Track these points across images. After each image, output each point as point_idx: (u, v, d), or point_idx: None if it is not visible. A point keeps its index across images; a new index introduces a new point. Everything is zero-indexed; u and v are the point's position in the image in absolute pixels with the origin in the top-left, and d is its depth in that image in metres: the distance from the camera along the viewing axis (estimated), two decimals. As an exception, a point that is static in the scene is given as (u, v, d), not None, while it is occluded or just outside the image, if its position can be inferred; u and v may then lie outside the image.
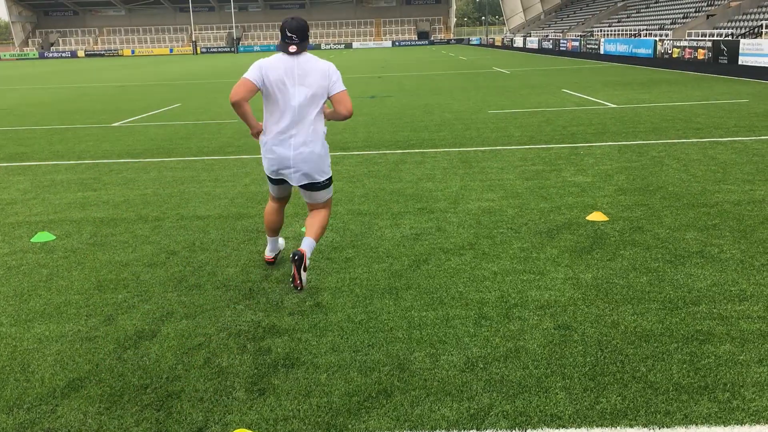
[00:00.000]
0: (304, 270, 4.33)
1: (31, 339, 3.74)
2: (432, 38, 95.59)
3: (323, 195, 4.56)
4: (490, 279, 4.44)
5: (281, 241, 5.02)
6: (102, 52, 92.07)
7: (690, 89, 16.98)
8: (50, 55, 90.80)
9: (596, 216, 5.76)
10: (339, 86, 4.33)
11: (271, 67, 4.26)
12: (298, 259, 4.26)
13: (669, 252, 4.84)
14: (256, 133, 4.51)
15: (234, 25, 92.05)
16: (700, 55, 29.86)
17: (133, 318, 4.00)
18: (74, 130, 12.90)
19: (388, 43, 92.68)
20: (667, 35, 36.88)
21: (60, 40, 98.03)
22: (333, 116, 4.46)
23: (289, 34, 4.27)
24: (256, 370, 3.31)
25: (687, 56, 31.14)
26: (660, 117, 11.95)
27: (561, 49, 50.66)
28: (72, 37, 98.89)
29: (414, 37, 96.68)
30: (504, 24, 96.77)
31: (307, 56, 4.34)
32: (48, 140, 11.65)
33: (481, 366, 3.28)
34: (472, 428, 2.78)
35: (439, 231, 5.56)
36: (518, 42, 64.20)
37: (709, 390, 3.00)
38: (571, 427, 2.77)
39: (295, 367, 3.34)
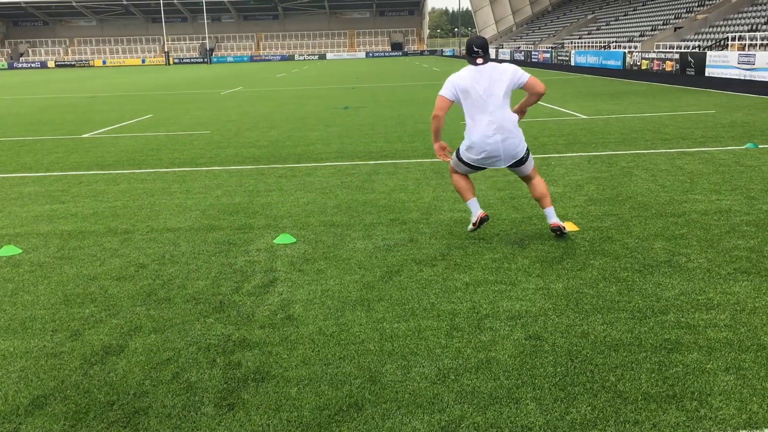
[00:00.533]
0: (565, 231, 5.48)
1: (-5, 355, 3.66)
2: (405, 49, 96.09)
3: (528, 166, 5.44)
4: (462, 290, 4.45)
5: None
6: (73, 63, 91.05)
7: (658, 100, 17.26)
8: (19, 65, 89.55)
9: (567, 226, 5.80)
10: (524, 76, 5.26)
11: (461, 81, 5.23)
12: (560, 233, 5.45)
13: (638, 261, 4.90)
14: (439, 149, 5.62)
15: (207, 35, 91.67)
16: (668, 66, 30.39)
17: (100, 333, 3.93)
18: (43, 142, 12.71)
19: (362, 54, 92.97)
20: (635, 47, 37.50)
21: (29, 51, 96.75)
22: (530, 99, 5.45)
23: (475, 50, 5.23)
24: (225, 385, 3.27)
25: (655, 68, 31.68)
26: (629, 128, 12.13)
27: (533, 60, 51.25)
28: (42, 48, 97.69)
29: (388, 48, 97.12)
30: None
31: (491, 64, 5.26)
32: (15, 152, 11.46)
33: (453, 377, 3.28)
34: (443, 440, 2.77)
35: (411, 242, 5.56)
36: (491, 54, 64.80)
37: (677, 399, 3.03)
38: (541, 437, 2.77)
39: (265, 381, 3.30)
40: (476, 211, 5.54)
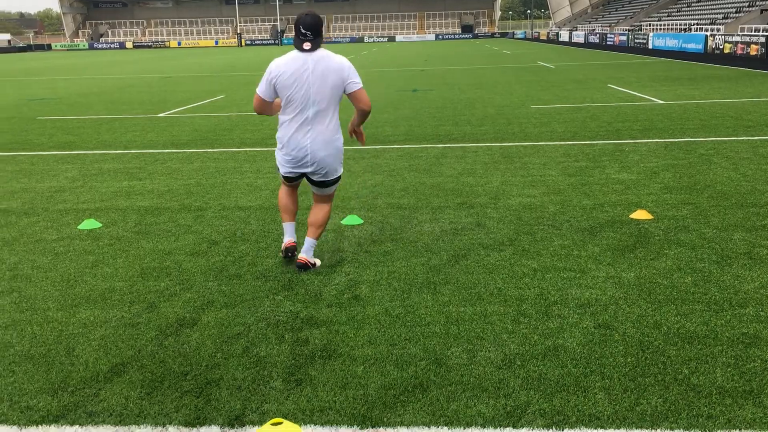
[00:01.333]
0: (312, 267, 4.60)
1: (77, 324, 3.84)
2: (476, 32, 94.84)
3: (330, 190, 4.67)
4: (530, 276, 4.39)
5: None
6: (149, 44, 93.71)
7: (741, 86, 16.52)
8: (99, 46, 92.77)
9: (640, 214, 5.65)
10: (356, 83, 4.36)
11: (281, 72, 4.30)
12: (304, 269, 4.56)
13: (715, 252, 4.73)
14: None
15: (278, 17, 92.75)
16: (753, 50, 29.01)
17: (175, 306, 4.07)
18: (121, 120, 13.17)
19: (432, 37, 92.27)
20: (718, 30, 35.93)
21: (109, 32, 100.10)
22: (358, 119, 4.60)
23: (303, 31, 4.24)
24: (293, 361, 3.34)
25: (739, 52, 30.29)
26: (709, 114, 11.66)
27: (608, 43, 49.78)
28: (120, 29, 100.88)
29: (458, 30, 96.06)
30: (549, 18, 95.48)
31: (322, 53, 4.31)
32: (96, 130, 11.91)
33: (519, 363, 3.25)
34: (508, 426, 2.76)
35: (478, 226, 5.52)
36: (564, 36, 63.29)
37: (754, 394, 2.92)
38: (609, 427, 2.72)
39: (332, 358, 3.35)
40: (286, 238, 4.74)
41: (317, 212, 4.68)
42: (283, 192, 4.79)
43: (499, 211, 5.97)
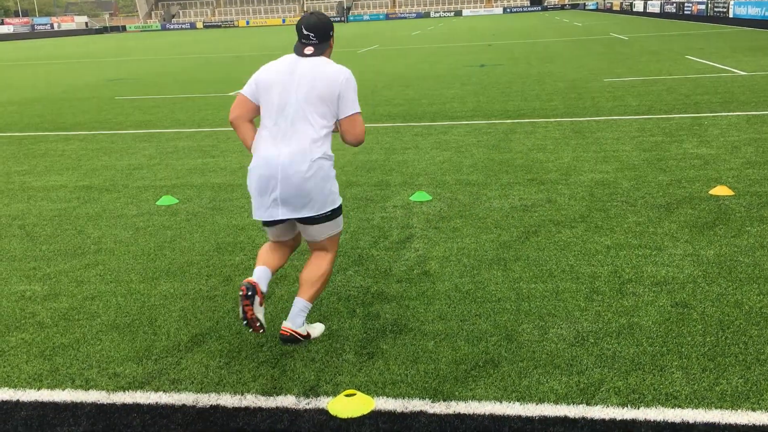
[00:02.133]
0: (300, 340, 3.34)
1: (158, 296, 4.00)
2: (545, 4, 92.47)
3: (323, 231, 3.34)
4: (603, 253, 4.31)
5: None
6: (219, 24, 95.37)
7: (831, 54, 15.60)
8: (171, 26, 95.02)
9: (720, 190, 5.45)
10: (351, 107, 3.28)
11: (269, 71, 3.32)
12: (290, 342, 3.32)
13: (801, 230, 4.52)
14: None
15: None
16: None
17: (250, 279, 4.17)
18: (194, 99, 13.49)
19: (499, 10, 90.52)
20: (806, -4, 33.89)
21: (180, 12, 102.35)
22: (343, 139, 3.42)
23: (305, 32, 3.31)
24: (365, 334, 3.39)
25: (829, 18, 28.54)
26: (795, 85, 11.08)
27: (685, 12, 47.75)
28: (191, 9, 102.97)
29: (526, 2, 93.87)
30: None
31: (322, 60, 3.32)
32: (170, 109, 12.26)
33: (592, 341, 3.21)
34: (581, 402, 2.73)
35: (549, 203, 5.44)
36: (638, 6, 61.04)
37: (843, 378, 2.81)
38: (687, 407, 2.67)
39: (402, 333, 3.39)
40: (255, 276, 3.28)
41: (310, 264, 3.42)
42: (265, 246, 3.53)
43: (571, 187, 5.86)
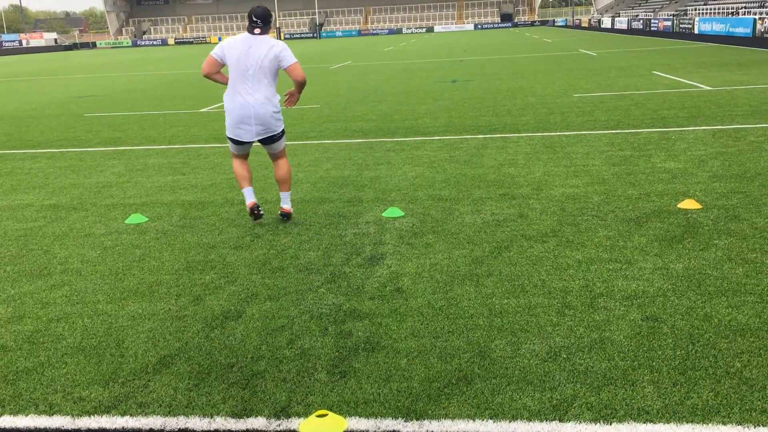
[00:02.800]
0: (290, 218, 5.70)
1: (126, 316, 3.92)
2: (515, 20, 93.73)
3: (280, 145, 5.59)
4: (574, 267, 4.33)
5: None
6: (191, 40, 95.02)
7: (793, 70, 15.99)
8: (142, 43, 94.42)
9: (688, 204, 5.52)
10: (288, 59, 5.32)
11: (233, 45, 5.34)
12: (287, 218, 5.68)
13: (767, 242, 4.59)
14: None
15: (317, 10, 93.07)
16: (805, 33, 28.01)
17: (220, 298, 4.12)
18: (165, 116, 13.38)
19: (470, 26, 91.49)
20: (767, 13, 34.80)
21: (152, 29, 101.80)
22: (295, 88, 5.51)
23: (254, 19, 5.31)
24: (337, 353, 3.36)
25: (790, 34, 29.30)
26: (759, 100, 11.32)
27: (652, 29, 48.70)
28: (163, 26, 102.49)
29: (497, 19, 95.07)
30: (591, 4, 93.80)
31: (265, 38, 5.35)
32: (140, 125, 12.13)
33: (564, 356, 3.21)
34: (554, 419, 2.73)
35: (521, 217, 5.46)
36: (606, 23, 62.13)
37: (810, 389, 2.83)
38: (659, 422, 2.67)
39: (375, 351, 3.36)
40: (248, 199, 5.59)
41: (279, 168, 5.66)
42: (235, 164, 5.68)
43: (542, 201, 5.89)
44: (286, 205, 5.67)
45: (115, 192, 7.09)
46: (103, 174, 8.05)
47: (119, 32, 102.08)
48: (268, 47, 5.31)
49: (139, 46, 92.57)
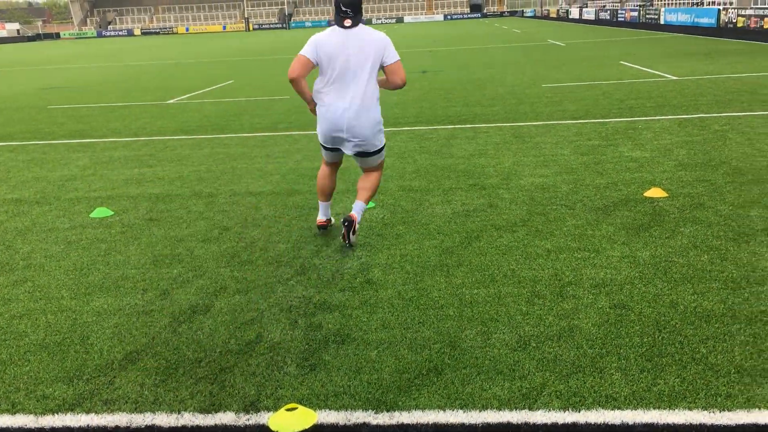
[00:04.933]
0: (354, 233, 4.66)
1: (90, 312, 3.85)
2: (485, 11, 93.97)
3: (375, 160, 4.76)
4: (544, 257, 4.36)
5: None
6: (157, 30, 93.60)
7: (756, 60, 16.28)
8: (108, 33, 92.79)
9: (655, 192, 5.58)
10: (393, 56, 4.49)
11: (325, 41, 4.45)
12: (348, 225, 4.61)
13: (732, 230, 4.66)
14: (313, 108, 4.72)
15: (286, 1, 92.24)
16: (767, 24, 28.56)
17: (188, 293, 4.07)
18: (131, 108, 13.16)
19: (440, 17, 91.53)
20: (731, 3, 35.38)
21: (117, 19, 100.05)
22: (386, 86, 4.64)
23: (343, 9, 4.42)
24: (307, 346, 3.33)
25: (753, 25, 29.84)
26: (724, 89, 11.50)
27: (619, 20, 49.20)
28: (128, 16, 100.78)
29: (466, 10, 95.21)
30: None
31: (362, 28, 4.48)
32: (106, 117, 11.92)
33: (534, 345, 3.23)
34: (524, 408, 2.74)
35: (491, 207, 5.48)
36: (574, 13, 62.60)
37: (773, 374, 2.89)
38: (627, 408, 2.70)
39: (345, 343, 3.34)
40: (321, 215, 4.98)
41: (367, 177, 4.84)
42: (322, 172, 4.95)
43: (512, 191, 5.92)
44: (356, 213, 4.71)
45: (79, 185, 6.96)
46: (67, 167, 7.89)
47: (83, 23, 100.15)
48: (374, 45, 4.43)
49: (105, 36, 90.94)
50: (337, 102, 4.48)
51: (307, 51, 4.44)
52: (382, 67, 4.51)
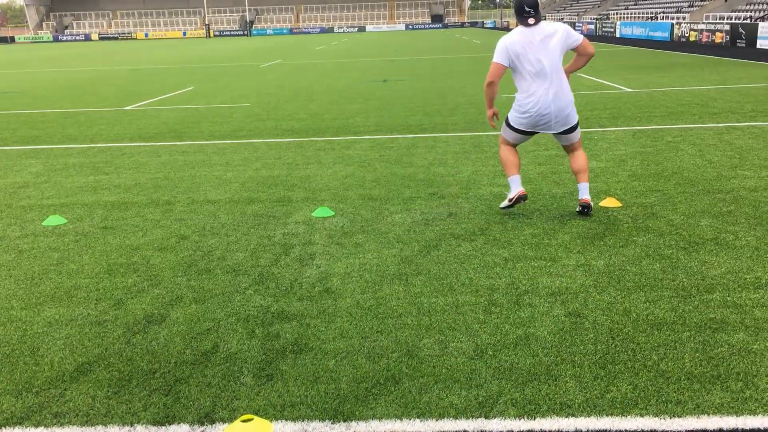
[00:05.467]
0: (590, 211, 5.35)
1: (41, 323, 3.75)
2: (446, 21, 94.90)
3: (576, 135, 5.34)
4: (501, 265, 4.40)
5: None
6: (116, 35, 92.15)
7: (707, 73, 16.76)
8: (64, 38, 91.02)
9: (609, 202, 5.69)
10: (577, 38, 5.16)
11: (515, 43, 5.07)
12: (586, 211, 5.32)
13: (683, 239, 4.78)
14: (491, 115, 5.52)
15: (247, 8, 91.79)
16: (718, 38, 29.44)
17: (143, 302, 4.00)
18: (87, 114, 12.92)
19: (402, 27, 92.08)
20: (684, 18, 36.38)
21: (74, 23, 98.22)
22: (578, 64, 5.35)
23: (527, 9, 5.05)
24: (264, 356, 3.30)
25: (704, 39, 30.72)
26: (676, 101, 11.80)
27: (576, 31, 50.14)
28: (86, 20, 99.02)
29: (428, 20, 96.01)
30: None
31: (544, 24, 5.12)
32: (61, 123, 11.68)
33: (491, 353, 3.25)
34: (480, 416, 2.76)
35: (450, 216, 5.52)
36: (533, 25, 63.56)
37: (721, 379, 2.96)
38: (580, 415, 2.73)
39: (303, 352, 3.32)
40: (516, 189, 5.35)
41: (577, 159, 5.39)
42: (507, 150, 5.49)
43: (470, 200, 5.97)
44: (586, 195, 5.31)
45: (32, 192, 6.79)
46: (19, 174, 7.71)
47: (39, 27, 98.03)
48: (557, 35, 5.06)
49: (61, 41, 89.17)
50: (543, 96, 5.08)
51: (499, 58, 5.13)
52: (572, 49, 5.18)
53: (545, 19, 45.34)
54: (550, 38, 5.05)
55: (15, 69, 28.39)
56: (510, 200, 5.39)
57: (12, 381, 3.13)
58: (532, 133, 5.37)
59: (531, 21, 5.05)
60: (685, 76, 16.28)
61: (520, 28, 5.10)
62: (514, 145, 5.51)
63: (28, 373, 3.20)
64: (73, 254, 4.90)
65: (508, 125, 5.39)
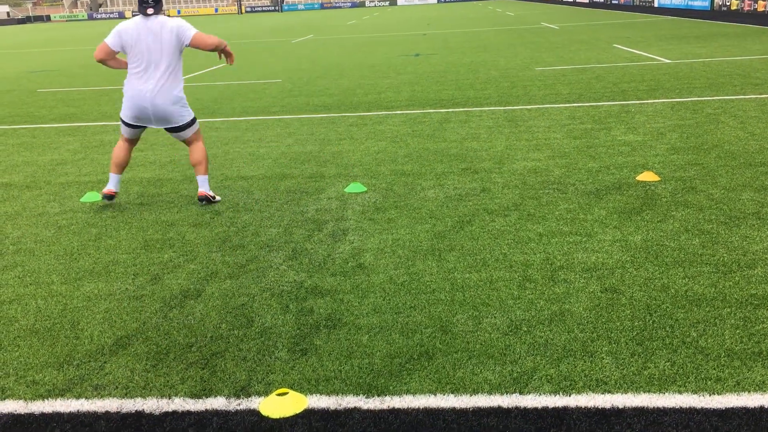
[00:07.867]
0: (213, 200, 5.43)
1: (81, 297, 3.83)
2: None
3: (187, 133, 5.39)
4: (536, 241, 4.35)
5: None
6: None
7: (749, 43, 16.25)
8: (99, 16, 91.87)
9: (647, 176, 5.58)
10: (188, 34, 5.12)
11: (128, 30, 5.11)
12: (206, 202, 5.38)
13: (723, 213, 4.67)
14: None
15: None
16: (761, 6, 28.49)
17: (179, 277, 4.05)
18: (121, 91, 13.03)
19: (434, 0, 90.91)
20: (725, -14, 35.22)
21: (108, 1, 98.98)
22: (205, 49, 5.25)
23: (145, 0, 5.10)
24: (298, 331, 3.32)
25: (746, 8, 29.77)
26: (717, 72, 11.48)
27: (613, 2, 48.99)
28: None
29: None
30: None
31: (162, 19, 5.14)
32: (96, 101, 11.82)
33: (525, 329, 3.23)
34: (514, 392, 2.74)
35: (483, 192, 5.47)
36: (568, -4, 62.21)
37: (763, 356, 2.90)
38: (617, 392, 2.70)
39: (337, 327, 3.34)
40: (109, 185, 5.46)
41: (192, 152, 5.45)
42: (119, 146, 5.49)
43: (504, 175, 5.90)
44: (203, 188, 5.42)
45: (70, 170, 6.91)
46: (57, 151, 7.83)
47: (74, 5, 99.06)
48: (170, 34, 5.12)
49: (95, 19, 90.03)
50: (141, 89, 5.12)
51: (110, 40, 5.13)
52: (188, 46, 5.14)
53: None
54: (165, 36, 5.08)
55: (51, 47, 28.78)
56: (103, 194, 5.48)
57: (53, 354, 3.20)
58: (142, 127, 5.36)
59: (149, 11, 5.09)
60: (726, 45, 15.81)
61: (139, 18, 5.13)
62: (129, 141, 5.49)
63: (68, 347, 3.26)
64: (111, 230, 4.97)
65: (121, 119, 5.43)
